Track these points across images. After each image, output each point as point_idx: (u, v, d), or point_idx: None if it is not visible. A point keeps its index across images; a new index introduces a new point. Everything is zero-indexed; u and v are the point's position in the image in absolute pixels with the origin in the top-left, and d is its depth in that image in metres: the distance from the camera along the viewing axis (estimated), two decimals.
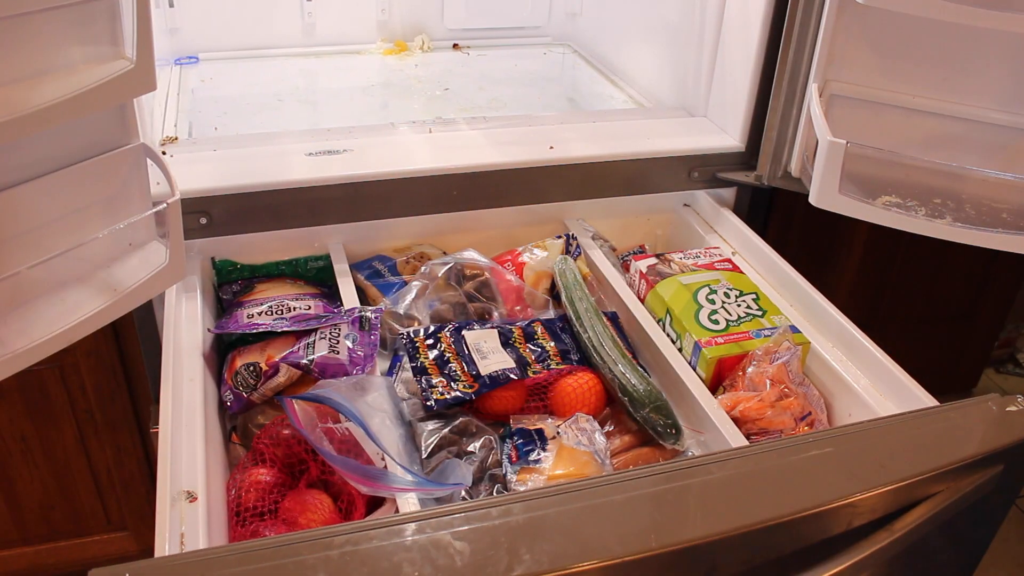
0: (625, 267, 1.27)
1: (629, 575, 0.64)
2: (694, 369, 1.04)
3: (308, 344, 0.99)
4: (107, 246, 0.91)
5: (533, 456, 0.91)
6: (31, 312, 0.84)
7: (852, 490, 0.70)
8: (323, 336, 0.99)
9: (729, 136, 1.31)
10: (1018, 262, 1.73)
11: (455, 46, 1.82)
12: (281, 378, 0.97)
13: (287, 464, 0.91)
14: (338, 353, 0.96)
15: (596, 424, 0.98)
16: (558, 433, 0.94)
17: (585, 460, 0.93)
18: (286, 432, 0.92)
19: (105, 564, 0.59)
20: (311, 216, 1.16)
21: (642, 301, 1.16)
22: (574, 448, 0.94)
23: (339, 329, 1.00)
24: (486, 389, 0.97)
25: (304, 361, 0.96)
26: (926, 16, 1.04)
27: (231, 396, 0.97)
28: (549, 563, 0.61)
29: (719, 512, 0.68)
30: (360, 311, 1.04)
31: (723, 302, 1.10)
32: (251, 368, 0.98)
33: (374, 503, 0.89)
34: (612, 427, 1.02)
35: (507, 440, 0.95)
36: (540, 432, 0.94)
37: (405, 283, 1.18)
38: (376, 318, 1.03)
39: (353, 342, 0.99)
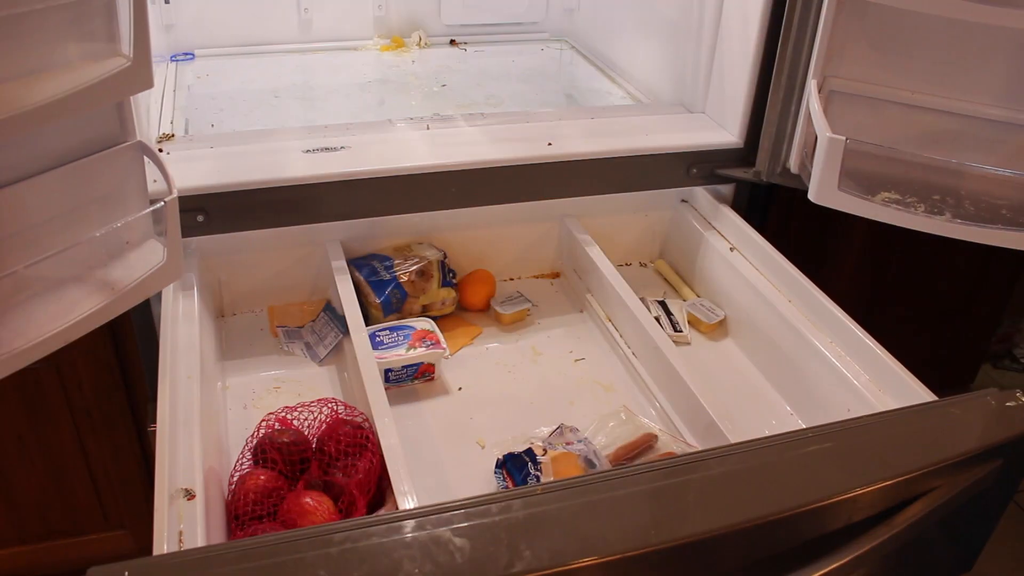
0: None
1: (629, 571, 0.64)
2: None
3: None
4: (104, 244, 0.91)
5: (530, 479, 0.91)
6: (28, 311, 0.83)
7: (851, 485, 0.70)
8: None
9: (728, 132, 1.31)
10: (1015, 258, 1.73)
11: (452, 42, 1.81)
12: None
13: (288, 463, 0.91)
14: None
15: (580, 434, 0.98)
16: (546, 450, 0.94)
17: (579, 464, 0.93)
18: (286, 440, 0.92)
19: (103, 563, 0.59)
20: (309, 213, 1.16)
21: None
22: (567, 452, 0.94)
23: None
24: None
25: None
26: (926, 12, 1.04)
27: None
28: (549, 559, 0.61)
29: (718, 508, 0.68)
30: None
31: None
32: None
33: (375, 504, 0.89)
34: (603, 439, 1.01)
35: (498, 470, 0.95)
36: (530, 452, 0.94)
37: (399, 283, 1.18)
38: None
39: None
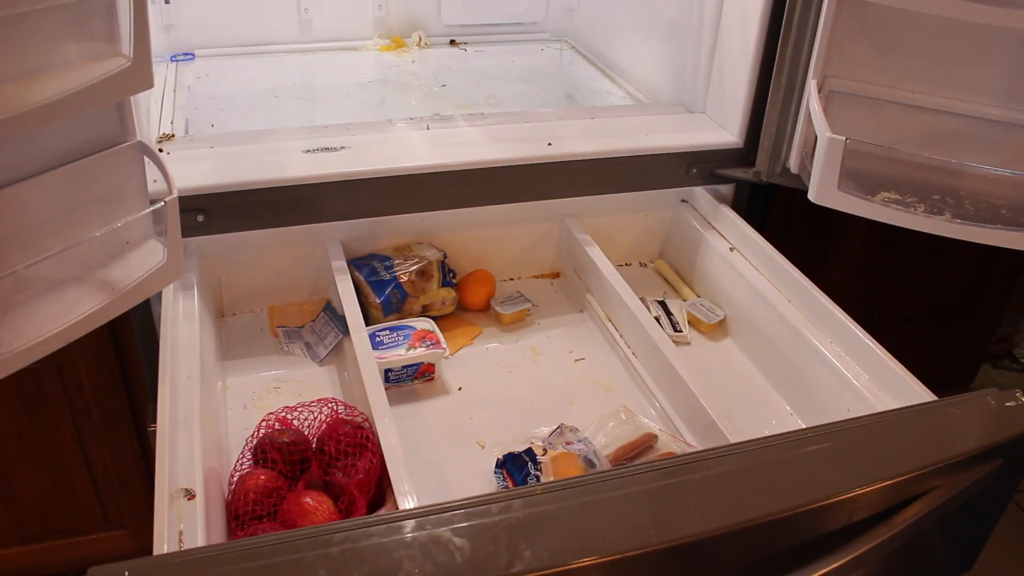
0: None
1: (629, 571, 0.64)
2: None
3: None
4: (104, 244, 0.91)
5: (530, 479, 0.91)
6: (29, 311, 0.83)
7: (851, 485, 0.70)
8: None
9: (728, 132, 1.31)
10: (1015, 258, 1.73)
11: (452, 42, 1.81)
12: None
13: (288, 463, 0.91)
14: None
15: (580, 434, 0.98)
16: (546, 450, 0.94)
17: (580, 464, 0.93)
18: (286, 440, 0.92)
19: (103, 563, 0.59)
20: (309, 214, 1.16)
21: None
22: (567, 452, 0.94)
23: None
24: None
25: None
26: (926, 12, 1.04)
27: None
28: (549, 559, 0.61)
29: (718, 508, 0.68)
30: None
31: None
32: None
33: (375, 504, 0.89)
34: (603, 439, 1.01)
35: (498, 470, 0.95)
36: (530, 452, 0.94)
37: (399, 283, 1.18)
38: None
39: None
